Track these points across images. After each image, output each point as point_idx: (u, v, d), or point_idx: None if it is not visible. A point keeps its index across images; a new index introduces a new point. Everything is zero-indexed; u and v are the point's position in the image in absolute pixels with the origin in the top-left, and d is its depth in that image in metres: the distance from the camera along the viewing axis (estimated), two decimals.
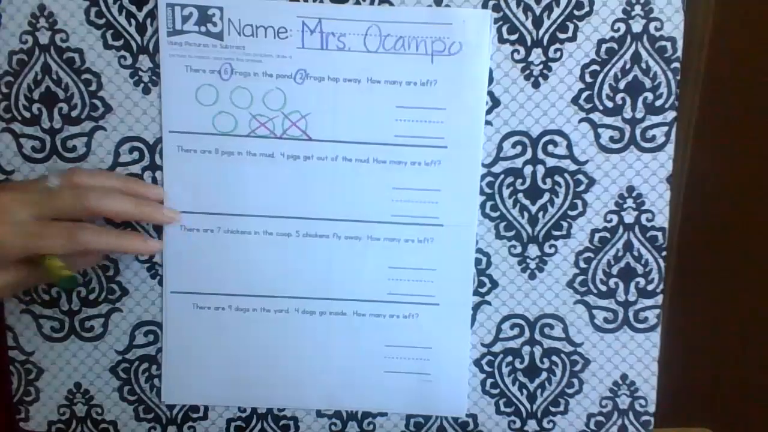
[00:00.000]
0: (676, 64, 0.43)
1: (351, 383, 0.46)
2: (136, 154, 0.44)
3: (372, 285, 0.45)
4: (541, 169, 0.44)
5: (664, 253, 0.45)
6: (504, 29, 0.42)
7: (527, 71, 0.43)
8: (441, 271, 0.44)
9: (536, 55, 0.43)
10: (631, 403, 0.46)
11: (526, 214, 0.44)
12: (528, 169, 0.44)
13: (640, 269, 0.45)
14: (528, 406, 0.47)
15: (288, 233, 0.44)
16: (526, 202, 0.44)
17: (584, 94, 0.43)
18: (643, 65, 0.43)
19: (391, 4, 0.42)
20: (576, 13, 0.42)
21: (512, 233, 0.45)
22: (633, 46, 0.42)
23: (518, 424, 0.47)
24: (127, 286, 0.45)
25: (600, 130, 0.43)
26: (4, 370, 0.46)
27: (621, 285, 0.45)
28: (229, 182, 0.44)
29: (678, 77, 0.43)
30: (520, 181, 0.44)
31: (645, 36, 0.42)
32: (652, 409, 0.46)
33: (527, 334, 0.46)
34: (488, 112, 0.43)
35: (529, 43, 0.43)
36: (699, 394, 0.52)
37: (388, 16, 0.42)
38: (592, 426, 0.47)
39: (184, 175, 0.44)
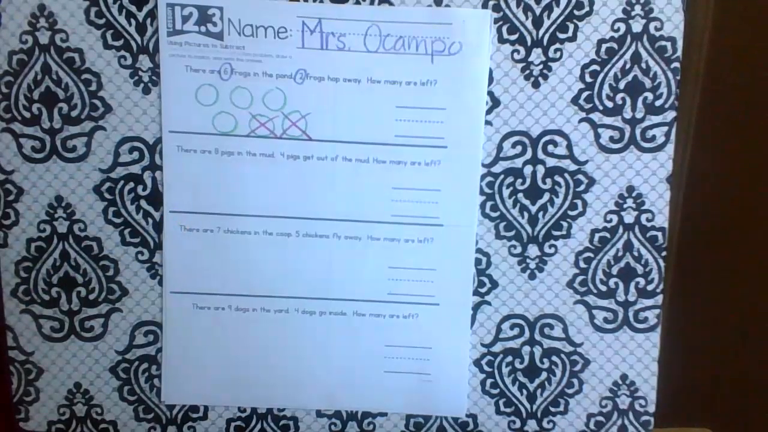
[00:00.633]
0: (676, 64, 0.43)
1: (351, 383, 0.46)
2: (136, 154, 0.44)
3: (372, 285, 0.45)
4: (541, 169, 0.44)
5: (664, 253, 0.45)
6: (504, 29, 0.42)
7: (527, 71, 0.43)
8: (441, 271, 0.44)
9: (536, 55, 0.43)
10: (631, 403, 0.46)
11: (526, 214, 0.44)
12: (528, 169, 0.44)
13: (640, 269, 0.45)
14: (528, 406, 0.47)
15: (288, 233, 0.44)
16: (526, 202, 0.44)
17: (584, 94, 0.43)
18: (643, 65, 0.43)
19: (391, 4, 0.42)
20: (576, 13, 0.42)
21: (512, 233, 0.45)
22: (633, 46, 0.42)
23: (518, 424, 0.47)
24: (127, 286, 0.45)
25: (600, 130, 0.43)
26: (4, 370, 0.46)
27: (621, 285, 0.45)
28: (228, 182, 0.44)
29: (678, 77, 0.43)
30: (520, 181, 0.44)
31: (645, 36, 0.42)
32: (652, 409, 0.46)
33: (527, 334, 0.46)
34: (488, 112, 0.43)
35: (529, 43, 0.43)
36: (699, 394, 0.52)
37: (388, 16, 0.42)
38: (592, 426, 0.47)
39: (183, 175, 0.44)
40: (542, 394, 0.46)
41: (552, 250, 0.45)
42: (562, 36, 0.42)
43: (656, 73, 0.43)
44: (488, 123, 0.43)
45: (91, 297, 0.45)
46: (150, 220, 0.44)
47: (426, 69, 0.42)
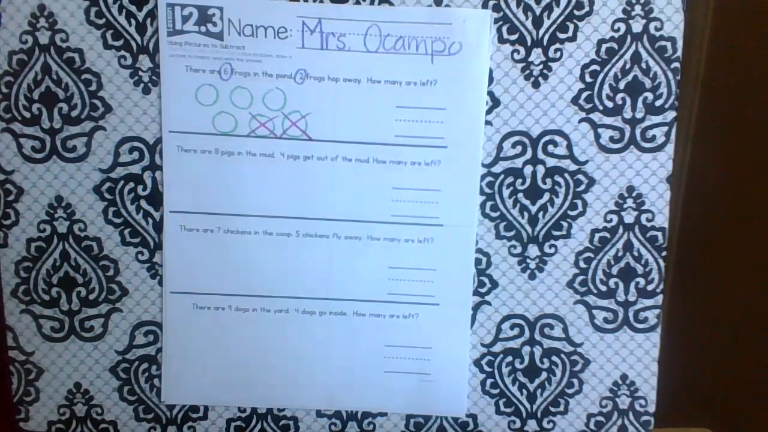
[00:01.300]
0: (676, 64, 0.43)
1: (351, 383, 0.46)
2: (136, 154, 0.44)
3: (372, 285, 0.45)
4: (541, 169, 0.44)
5: (664, 253, 0.45)
6: (504, 29, 0.42)
7: (527, 71, 0.43)
8: (441, 271, 0.44)
9: (536, 55, 0.43)
10: (631, 403, 0.46)
11: (526, 214, 0.44)
12: (528, 169, 0.44)
13: (640, 269, 0.45)
14: (528, 406, 0.47)
15: (288, 233, 0.44)
16: (526, 202, 0.44)
17: (584, 94, 0.43)
18: (643, 65, 0.43)
19: (391, 4, 0.42)
20: (576, 13, 0.42)
21: (512, 233, 0.45)
22: (633, 46, 0.42)
23: (518, 424, 0.47)
24: (127, 286, 0.45)
25: (600, 130, 0.43)
26: (4, 370, 0.46)
27: (621, 285, 0.45)
28: (228, 182, 0.44)
29: (678, 77, 0.43)
30: (520, 181, 0.44)
31: (645, 36, 0.42)
32: (652, 409, 0.46)
33: (527, 334, 0.46)
34: (488, 112, 0.43)
35: (529, 43, 0.43)
36: (699, 394, 0.52)
37: (388, 16, 0.42)
38: (592, 426, 0.47)
39: (183, 175, 0.44)
40: (542, 394, 0.46)
41: (552, 250, 0.45)
42: (562, 36, 0.42)
43: (656, 73, 0.43)
44: (488, 123, 0.43)
45: (91, 297, 0.45)
46: (150, 220, 0.44)
47: (426, 69, 0.42)
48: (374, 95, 0.43)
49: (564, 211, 0.44)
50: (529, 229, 0.45)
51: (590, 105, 0.43)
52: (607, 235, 0.45)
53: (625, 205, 0.44)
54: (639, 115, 0.43)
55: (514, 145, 0.44)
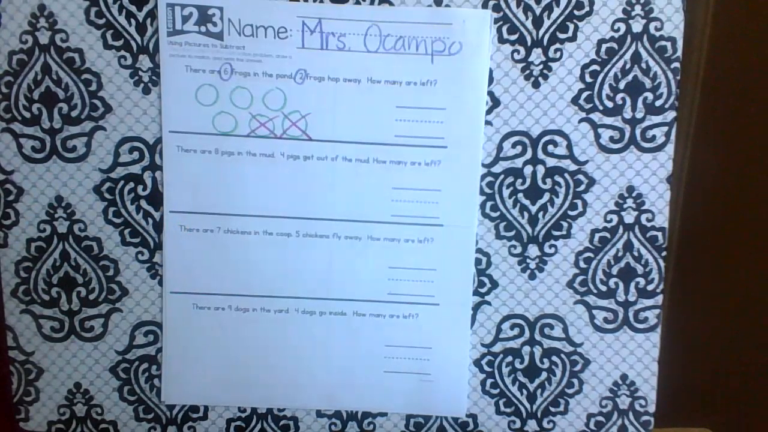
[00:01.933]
0: (676, 64, 0.43)
1: (351, 383, 0.46)
2: (136, 154, 0.44)
3: (372, 285, 0.45)
4: (541, 169, 0.44)
5: (664, 253, 0.45)
6: (504, 29, 0.42)
7: (527, 71, 0.43)
8: (441, 271, 0.45)
9: (536, 55, 0.43)
10: (631, 403, 0.46)
11: (526, 214, 0.44)
12: (528, 169, 0.44)
13: (640, 269, 0.45)
14: (528, 406, 0.47)
15: (288, 233, 0.44)
16: (526, 202, 0.44)
17: (584, 94, 0.43)
18: (643, 65, 0.43)
19: (391, 4, 0.42)
20: (576, 13, 0.42)
21: (512, 233, 0.45)
22: (633, 46, 0.42)
23: (518, 424, 0.47)
24: (127, 286, 0.45)
25: (600, 130, 0.43)
26: (4, 370, 0.46)
27: (621, 285, 0.45)
28: (229, 182, 0.44)
29: (678, 77, 0.43)
30: (520, 181, 0.44)
31: (645, 36, 0.42)
32: (652, 409, 0.46)
33: (527, 334, 0.46)
34: (488, 112, 0.43)
35: (529, 43, 0.43)
36: (699, 394, 0.52)
37: (388, 16, 0.42)
38: (592, 426, 0.47)
39: (183, 175, 0.44)
40: (542, 394, 0.46)
41: (552, 250, 0.45)
42: (562, 36, 0.42)
43: (656, 73, 0.43)
44: (488, 123, 0.43)
45: (91, 297, 0.45)
46: (150, 220, 0.44)
47: (426, 69, 0.42)
48: (374, 95, 0.43)
49: (564, 211, 0.44)
50: (529, 229, 0.45)
51: (590, 105, 0.43)
52: (607, 235, 0.45)
53: (625, 205, 0.44)
54: (639, 115, 0.43)
55: (514, 145, 0.44)
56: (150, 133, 0.44)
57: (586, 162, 0.44)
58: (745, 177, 0.49)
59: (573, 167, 0.44)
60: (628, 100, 0.43)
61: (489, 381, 0.46)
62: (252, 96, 0.43)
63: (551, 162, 0.44)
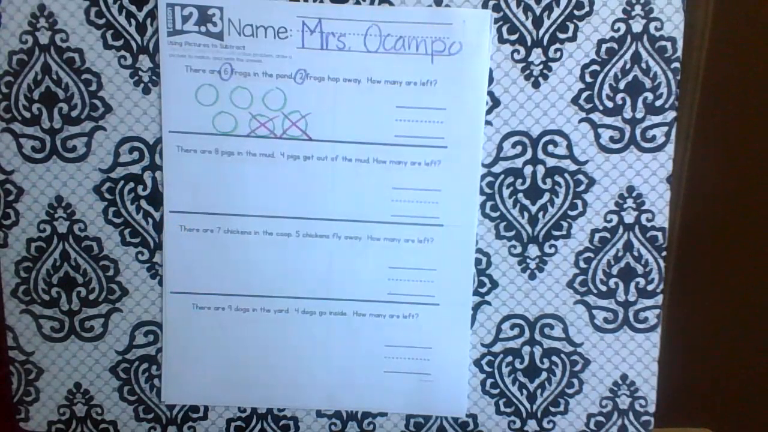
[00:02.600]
0: (676, 64, 0.43)
1: (351, 383, 0.46)
2: (136, 154, 0.44)
3: (372, 285, 0.45)
4: (541, 169, 0.44)
5: (664, 253, 0.45)
6: (504, 29, 0.42)
7: (527, 71, 0.43)
8: (441, 271, 0.45)
9: (536, 55, 0.43)
10: (631, 403, 0.46)
11: (526, 214, 0.44)
12: (528, 169, 0.44)
13: (640, 269, 0.45)
14: (528, 406, 0.47)
15: (288, 233, 0.44)
16: (526, 202, 0.44)
17: (584, 94, 0.43)
18: (643, 65, 0.43)
19: (391, 4, 0.42)
20: (576, 13, 0.42)
21: (512, 233, 0.45)
22: (633, 46, 0.42)
23: (518, 424, 0.47)
24: (127, 286, 0.45)
25: (600, 130, 0.43)
26: (4, 370, 0.46)
27: (621, 285, 0.45)
28: (229, 182, 0.44)
29: (678, 77, 0.43)
30: (520, 181, 0.44)
31: (645, 36, 0.42)
32: (652, 409, 0.46)
33: (527, 334, 0.46)
34: (488, 112, 0.43)
35: (529, 43, 0.43)
36: (699, 394, 0.52)
37: (388, 16, 0.42)
38: (592, 426, 0.47)
39: (183, 175, 0.44)
40: (542, 394, 0.46)
41: (552, 250, 0.45)
42: (562, 36, 0.42)
43: (656, 73, 0.43)
44: (488, 123, 0.43)
45: (91, 297, 0.45)
46: (150, 220, 0.44)
47: (426, 69, 0.42)
48: (374, 95, 0.43)
49: (564, 211, 0.44)
50: (529, 229, 0.45)
51: (590, 105, 0.43)
52: (607, 235, 0.45)
53: (625, 205, 0.44)
54: (639, 115, 0.43)
55: (514, 145, 0.44)
56: (150, 133, 0.44)
57: (586, 162, 0.44)
58: (745, 177, 0.49)
59: (573, 167, 0.44)
60: (628, 100, 0.43)
61: (489, 381, 0.46)
62: (252, 96, 0.43)
63: (551, 162, 0.44)
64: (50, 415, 0.47)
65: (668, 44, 0.42)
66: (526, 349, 0.46)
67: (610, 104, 0.43)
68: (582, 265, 0.45)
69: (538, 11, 0.42)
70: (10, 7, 0.42)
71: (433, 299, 0.45)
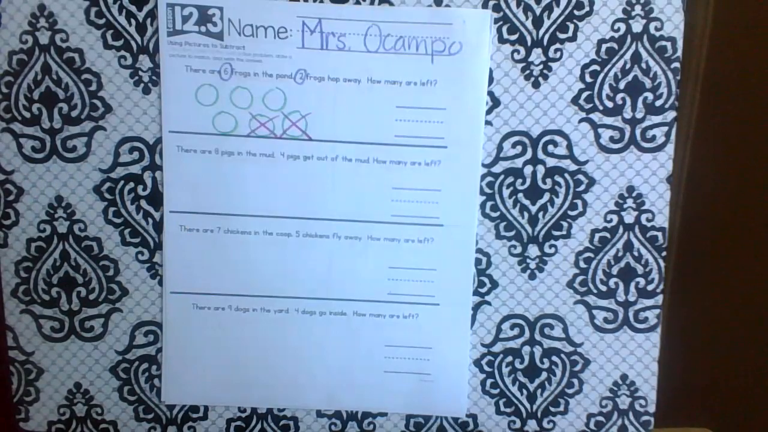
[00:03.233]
0: (676, 64, 0.43)
1: (351, 383, 0.46)
2: (136, 154, 0.44)
3: (372, 285, 0.45)
4: (541, 169, 0.44)
5: (664, 253, 0.45)
6: (504, 29, 0.42)
7: (527, 71, 0.43)
8: (441, 271, 0.45)
9: (536, 55, 0.43)
10: (631, 403, 0.46)
11: (526, 214, 0.44)
12: (528, 169, 0.44)
13: (640, 269, 0.45)
14: (528, 406, 0.47)
15: (288, 233, 0.44)
16: (526, 202, 0.44)
17: (584, 94, 0.43)
18: (643, 65, 0.43)
19: (391, 4, 0.42)
20: (576, 13, 0.42)
21: (512, 233, 0.45)
22: (633, 46, 0.42)
23: (518, 424, 0.47)
24: (127, 286, 0.45)
25: (600, 130, 0.43)
26: (4, 370, 0.46)
27: (621, 285, 0.45)
28: (229, 182, 0.44)
29: (678, 77, 0.43)
30: (520, 181, 0.44)
31: (645, 36, 0.42)
32: (652, 409, 0.46)
33: (527, 334, 0.46)
34: (488, 112, 0.43)
35: (529, 43, 0.43)
36: (699, 394, 0.52)
37: (388, 16, 0.42)
38: (592, 426, 0.47)
39: (183, 175, 0.44)
40: (542, 394, 0.46)
41: (552, 250, 0.45)
42: (562, 36, 0.42)
43: (656, 73, 0.43)
44: (488, 123, 0.43)
45: (91, 297, 0.45)
46: (150, 220, 0.44)
47: (426, 69, 0.42)
48: (374, 95, 0.43)
49: (564, 211, 0.44)
50: (529, 229, 0.45)
51: (590, 105, 0.43)
52: (607, 235, 0.45)
53: (625, 205, 0.44)
54: (639, 115, 0.43)
55: (514, 145, 0.44)
56: (150, 133, 0.44)
57: (586, 162, 0.44)
58: (745, 177, 0.49)
59: (573, 167, 0.44)
60: (628, 100, 0.43)
61: (489, 381, 0.46)
62: (252, 96, 0.43)
63: (551, 162, 0.44)
64: (50, 415, 0.47)
65: (668, 44, 0.42)
66: (526, 349, 0.46)
67: (610, 104, 0.43)
68: (582, 265, 0.45)
69: (538, 11, 0.42)
70: (10, 7, 0.42)
71: (433, 299, 0.45)
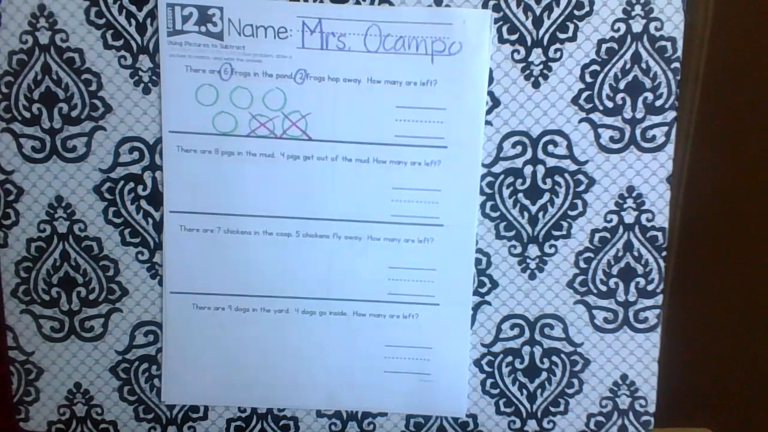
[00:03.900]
0: (676, 64, 0.43)
1: (351, 383, 0.46)
2: (136, 154, 0.44)
3: (372, 285, 0.45)
4: (541, 169, 0.44)
5: (664, 253, 0.45)
6: (504, 29, 0.42)
7: (527, 71, 0.43)
8: (441, 271, 0.45)
9: (536, 55, 0.43)
10: (631, 403, 0.46)
11: (526, 214, 0.44)
12: (528, 169, 0.44)
13: (640, 269, 0.45)
14: (528, 406, 0.47)
15: (288, 233, 0.44)
16: (526, 202, 0.44)
17: (584, 94, 0.43)
18: (643, 65, 0.43)
19: (391, 4, 0.42)
20: (576, 13, 0.42)
21: (512, 233, 0.45)
22: (633, 46, 0.42)
23: (518, 424, 0.47)
24: (127, 286, 0.45)
25: (600, 130, 0.43)
26: (4, 370, 0.46)
27: (621, 285, 0.45)
28: (229, 182, 0.44)
29: (678, 77, 0.43)
30: (520, 181, 0.44)
31: (645, 36, 0.42)
32: (652, 409, 0.46)
33: (527, 334, 0.46)
34: (488, 112, 0.43)
35: (529, 43, 0.43)
36: (699, 394, 0.52)
37: (388, 16, 0.42)
38: (592, 426, 0.47)
39: (183, 175, 0.44)
40: (542, 394, 0.46)
41: (552, 250, 0.45)
42: (562, 36, 0.42)
43: (656, 73, 0.43)
44: (488, 123, 0.43)
45: (91, 297, 0.45)
46: (150, 220, 0.44)
47: (426, 69, 0.42)
48: (374, 95, 0.43)
49: (564, 211, 0.44)
50: (529, 229, 0.45)
51: (590, 105, 0.43)
52: (607, 235, 0.45)
53: (625, 205, 0.44)
54: (639, 115, 0.43)
55: (514, 145, 0.44)
56: (150, 133, 0.44)
57: (586, 162, 0.44)
58: (745, 177, 0.49)
59: (573, 167, 0.44)
60: (628, 100, 0.43)
61: (489, 381, 0.46)
62: (252, 96, 0.43)
63: (551, 162, 0.44)
64: (50, 415, 0.47)
65: (668, 44, 0.42)
66: (526, 349, 0.46)
67: (610, 104, 0.43)
68: (582, 265, 0.45)
69: (538, 11, 0.42)
70: (10, 7, 0.42)
71: (433, 299, 0.45)
